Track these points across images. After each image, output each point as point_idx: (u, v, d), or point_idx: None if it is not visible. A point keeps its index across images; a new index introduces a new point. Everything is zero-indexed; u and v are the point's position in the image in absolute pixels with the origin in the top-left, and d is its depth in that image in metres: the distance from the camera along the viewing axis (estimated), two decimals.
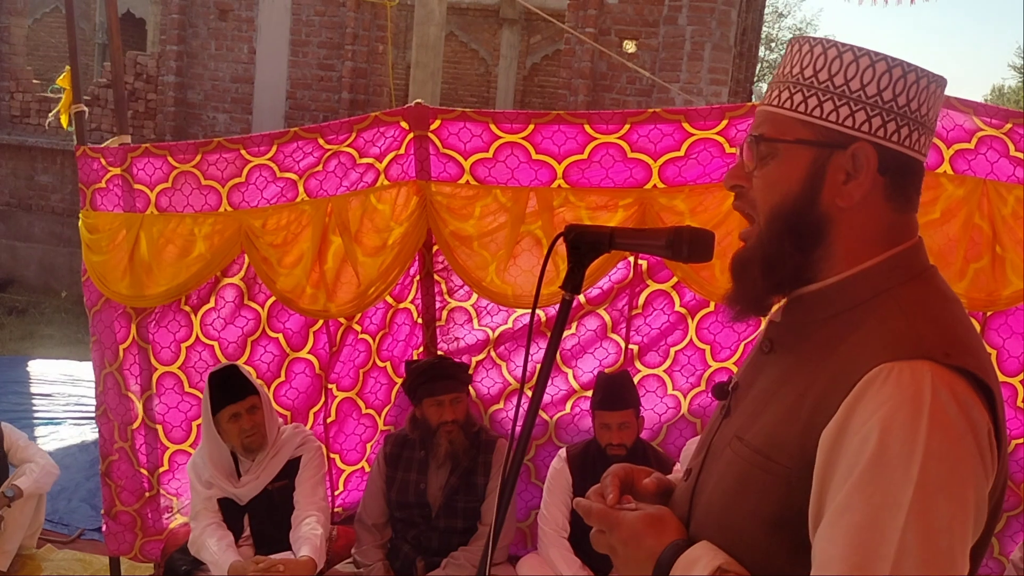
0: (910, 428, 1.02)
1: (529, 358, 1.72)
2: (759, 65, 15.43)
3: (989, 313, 3.08)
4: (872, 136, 1.16)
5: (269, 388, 3.77)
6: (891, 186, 1.18)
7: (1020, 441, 3.31)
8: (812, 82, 1.19)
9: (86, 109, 3.61)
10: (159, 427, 3.74)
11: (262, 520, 3.42)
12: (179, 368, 3.69)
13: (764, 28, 19.04)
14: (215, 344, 3.68)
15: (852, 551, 1.00)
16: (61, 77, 3.62)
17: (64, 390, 6.65)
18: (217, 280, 3.59)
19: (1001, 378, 2.74)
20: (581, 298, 3.52)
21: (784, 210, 1.21)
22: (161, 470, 3.78)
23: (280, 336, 3.74)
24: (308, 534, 3.27)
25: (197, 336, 3.67)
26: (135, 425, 3.69)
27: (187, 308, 3.63)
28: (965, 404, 1.04)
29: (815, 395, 1.13)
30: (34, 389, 6.68)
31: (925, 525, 0.99)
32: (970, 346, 1.12)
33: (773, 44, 29.35)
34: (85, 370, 6.52)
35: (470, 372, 3.63)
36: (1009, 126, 2.82)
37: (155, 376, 3.67)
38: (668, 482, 1.41)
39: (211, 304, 3.64)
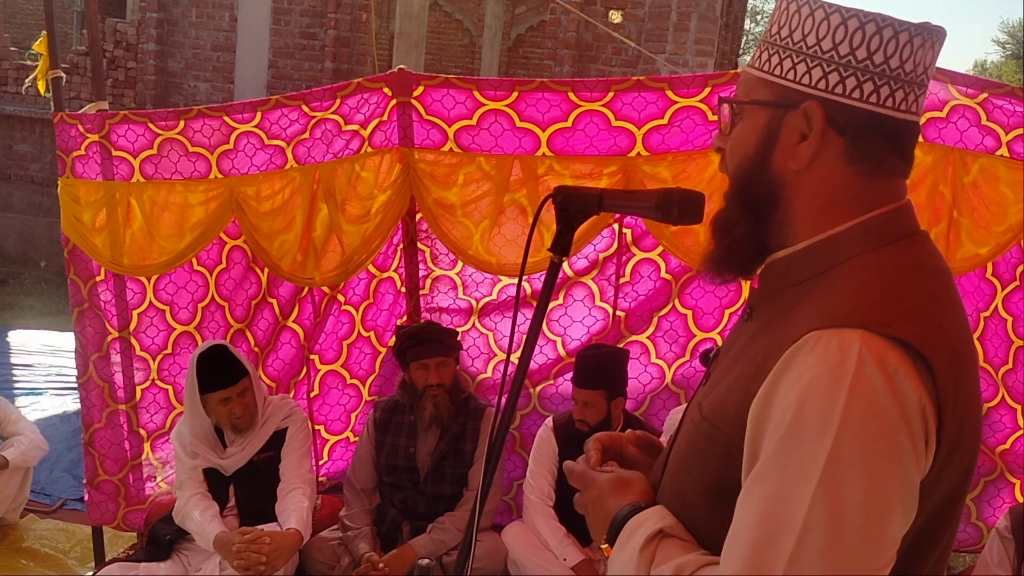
0: (828, 398, 0.97)
1: (515, 327, 1.72)
2: (744, 37, 15.38)
3: None
4: (828, 93, 1.10)
5: (263, 355, 3.77)
6: (852, 147, 1.11)
7: (990, 404, 3.36)
8: (776, 39, 1.14)
9: (63, 75, 3.55)
10: (169, 388, 3.75)
11: (247, 491, 3.42)
12: (195, 328, 3.70)
13: (749, 0, 18.97)
14: (226, 305, 3.70)
15: (762, 520, 0.97)
16: (38, 42, 3.55)
17: (45, 360, 6.62)
18: (224, 243, 3.60)
19: None
20: (568, 270, 3.52)
21: (740, 172, 1.18)
22: (161, 431, 3.78)
23: (275, 302, 3.75)
24: (294, 506, 3.26)
25: (213, 297, 3.69)
26: (145, 384, 3.70)
27: (201, 269, 3.63)
28: (894, 376, 0.98)
29: (757, 363, 1.09)
30: (14, 360, 6.64)
31: (834, 499, 0.95)
32: (924, 316, 1.04)
33: (759, 16, 29.25)
34: (66, 340, 6.47)
35: (459, 339, 3.62)
36: (984, 96, 2.85)
37: (172, 337, 3.68)
38: (650, 439, 1.42)
39: (223, 265, 3.66)
